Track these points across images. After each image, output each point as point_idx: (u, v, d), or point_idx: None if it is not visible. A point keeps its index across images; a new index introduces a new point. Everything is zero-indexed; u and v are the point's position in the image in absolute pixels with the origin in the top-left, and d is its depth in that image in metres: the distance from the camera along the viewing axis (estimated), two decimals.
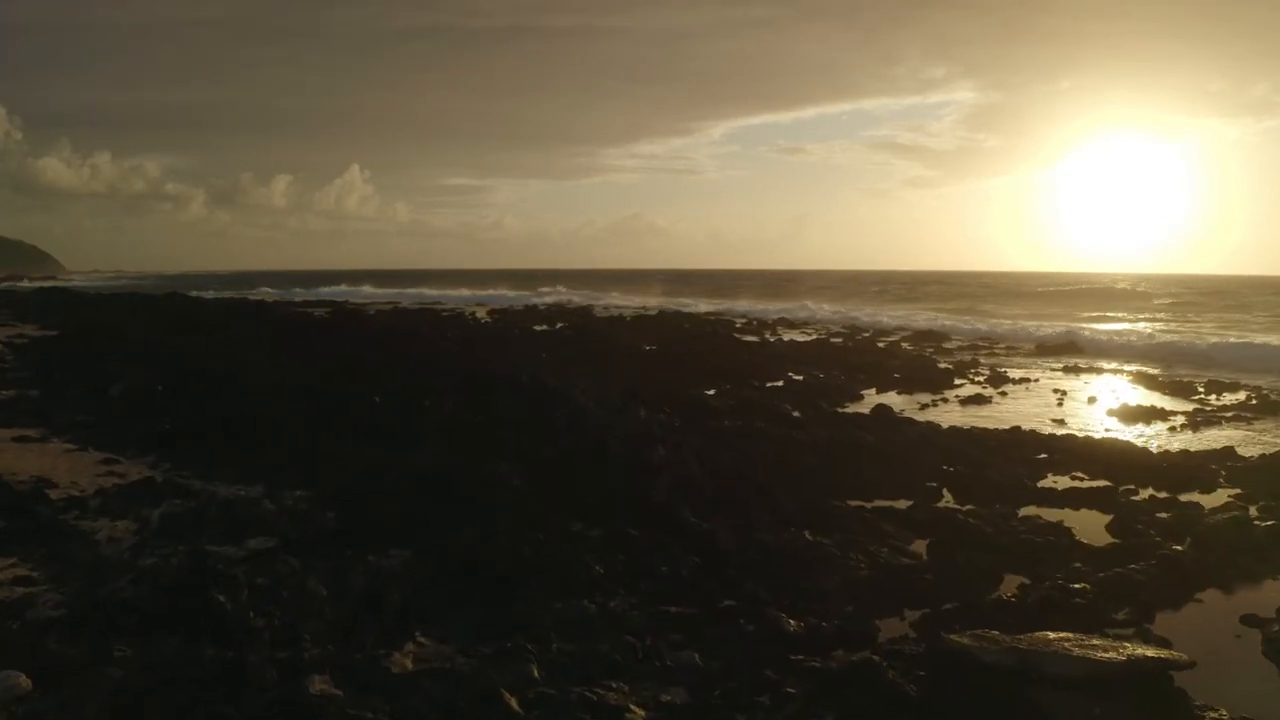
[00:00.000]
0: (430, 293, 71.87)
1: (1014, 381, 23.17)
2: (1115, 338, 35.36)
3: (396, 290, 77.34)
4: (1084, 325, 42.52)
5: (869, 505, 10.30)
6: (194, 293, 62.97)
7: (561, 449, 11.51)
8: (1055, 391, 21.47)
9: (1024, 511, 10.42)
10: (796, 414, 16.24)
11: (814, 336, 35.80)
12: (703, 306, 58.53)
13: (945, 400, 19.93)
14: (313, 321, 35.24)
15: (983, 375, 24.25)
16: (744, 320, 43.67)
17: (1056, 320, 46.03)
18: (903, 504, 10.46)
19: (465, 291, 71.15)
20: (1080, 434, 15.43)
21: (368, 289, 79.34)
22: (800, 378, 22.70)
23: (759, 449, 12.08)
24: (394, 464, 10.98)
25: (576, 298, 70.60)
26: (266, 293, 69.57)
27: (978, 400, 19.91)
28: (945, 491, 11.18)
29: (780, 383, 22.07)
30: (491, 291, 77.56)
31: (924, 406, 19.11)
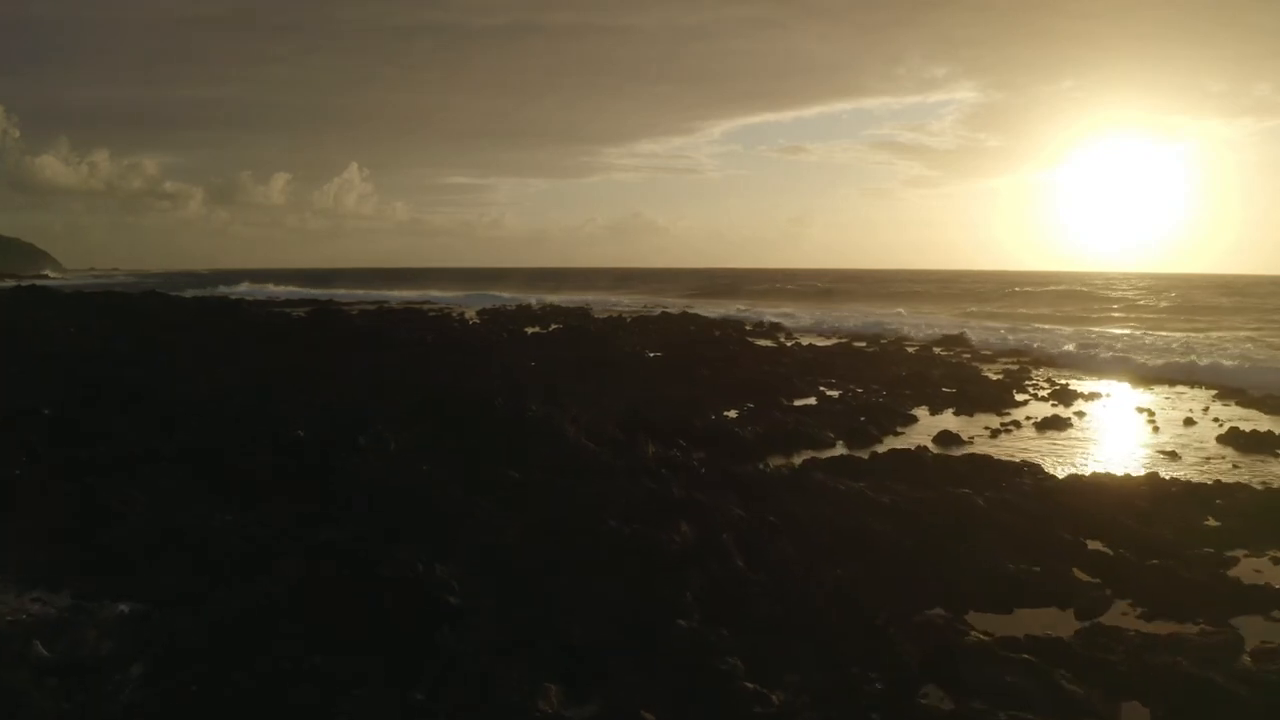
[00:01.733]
0: (435, 294, 67.82)
1: (1084, 397, 19.36)
2: (1168, 344, 31.57)
3: (389, 290, 73.42)
4: (1120, 330, 38.82)
5: (1018, 635, 6.45)
6: (184, 292, 59.37)
7: (535, 524, 7.69)
8: (1140, 411, 17.68)
9: (1246, 628, 6.64)
10: (857, 455, 12.40)
11: (833, 341, 31.94)
12: (708, 307, 54.65)
13: (1016, 424, 16.11)
14: (277, 324, 31.44)
15: (1043, 389, 20.47)
16: (754, 322, 39.76)
17: (1083, 324, 42.26)
18: (1058, 620, 6.67)
19: (460, 293, 67.09)
20: (1232, 476, 11.61)
21: (358, 290, 75.35)
22: (835, 394, 18.87)
23: (823, 518, 8.26)
24: (287, 546, 7.19)
25: (574, 298, 66.75)
26: (247, 291, 65.57)
27: (1056, 424, 16.09)
28: (1109, 592, 7.36)
29: (812, 400, 18.24)
30: (485, 291, 73.70)
31: (994, 433, 15.31)
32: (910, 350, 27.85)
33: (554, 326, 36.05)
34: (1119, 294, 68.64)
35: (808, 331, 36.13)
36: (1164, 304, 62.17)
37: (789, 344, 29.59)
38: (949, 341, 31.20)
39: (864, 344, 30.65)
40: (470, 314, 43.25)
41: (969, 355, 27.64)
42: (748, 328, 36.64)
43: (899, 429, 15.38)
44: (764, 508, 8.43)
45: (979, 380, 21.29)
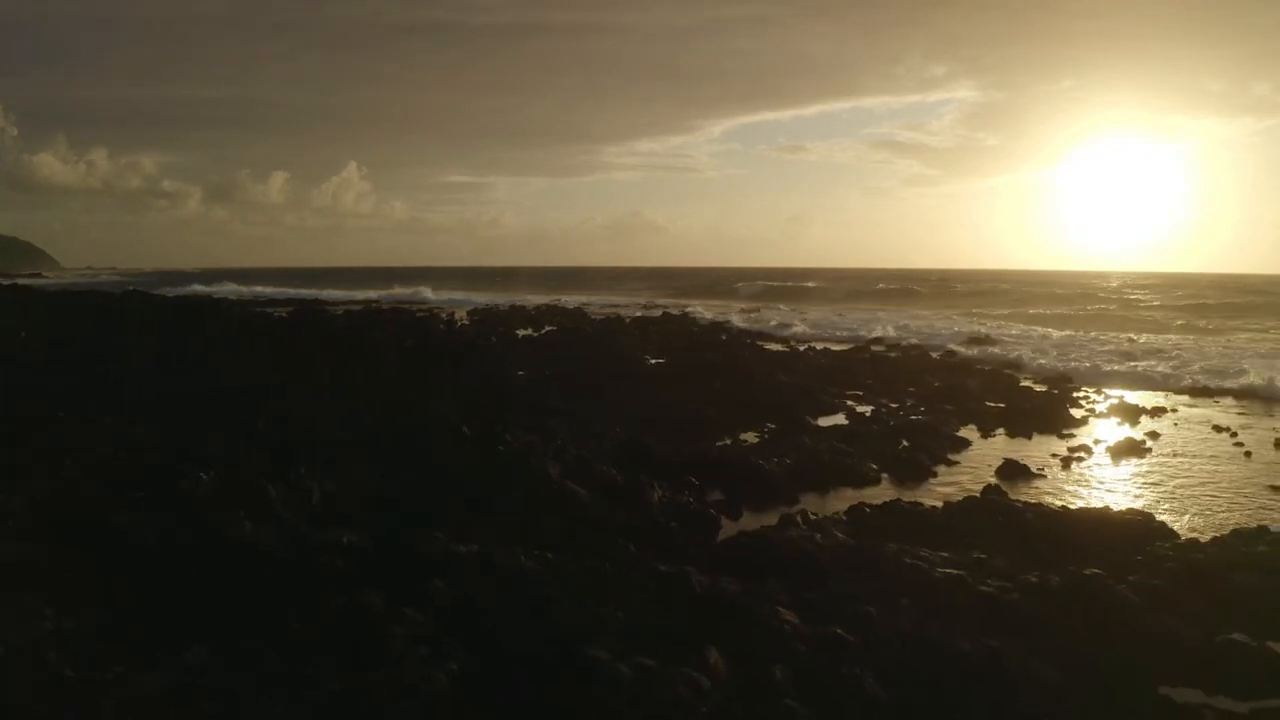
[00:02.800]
0: (428, 294, 65.00)
1: (1148, 413, 16.75)
2: (1203, 350, 28.96)
3: (382, 290, 70.60)
4: (1151, 336, 36.24)
5: None
6: (168, 291, 56.62)
7: (487, 657, 5.04)
8: (1218, 430, 15.09)
9: None
10: (917, 499, 9.70)
11: (848, 345, 29.25)
12: (710, 307, 51.92)
13: (1086, 450, 13.46)
14: (251, 325, 28.80)
15: (1095, 402, 17.88)
16: (761, 323, 37.06)
17: (1103, 327, 39.64)
18: None
19: (455, 293, 64.28)
20: None
21: (351, 289, 72.59)
22: (866, 410, 16.24)
23: (915, 626, 5.60)
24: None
25: (572, 297, 64.05)
26: (232, 291, 62.64)
27: (1133, 450, 13.45)
28: None
29: (841, 417, 15.62)
30: (481, 291, 71.05)
31: (1065, 462, 12.69)
32: (934, 355, 25.18)
33: (548, 329, 33.39)
34: (1133, 296, 65.82)
35: (819, 334, 33.27)
36: (1180, 304, 59.31)
37: (801, 348, 26.94)
38: (974, 345, 28.56)
39: (882, 348, 28.06)
40: (461, 315, 40.55)
41: (1000, 361, 24.99)
42: (755, 329, 33.99)
43: (951, 456, 12.76)
44: (823, 605, 5.79)
45: (1023, 392, 18.67)
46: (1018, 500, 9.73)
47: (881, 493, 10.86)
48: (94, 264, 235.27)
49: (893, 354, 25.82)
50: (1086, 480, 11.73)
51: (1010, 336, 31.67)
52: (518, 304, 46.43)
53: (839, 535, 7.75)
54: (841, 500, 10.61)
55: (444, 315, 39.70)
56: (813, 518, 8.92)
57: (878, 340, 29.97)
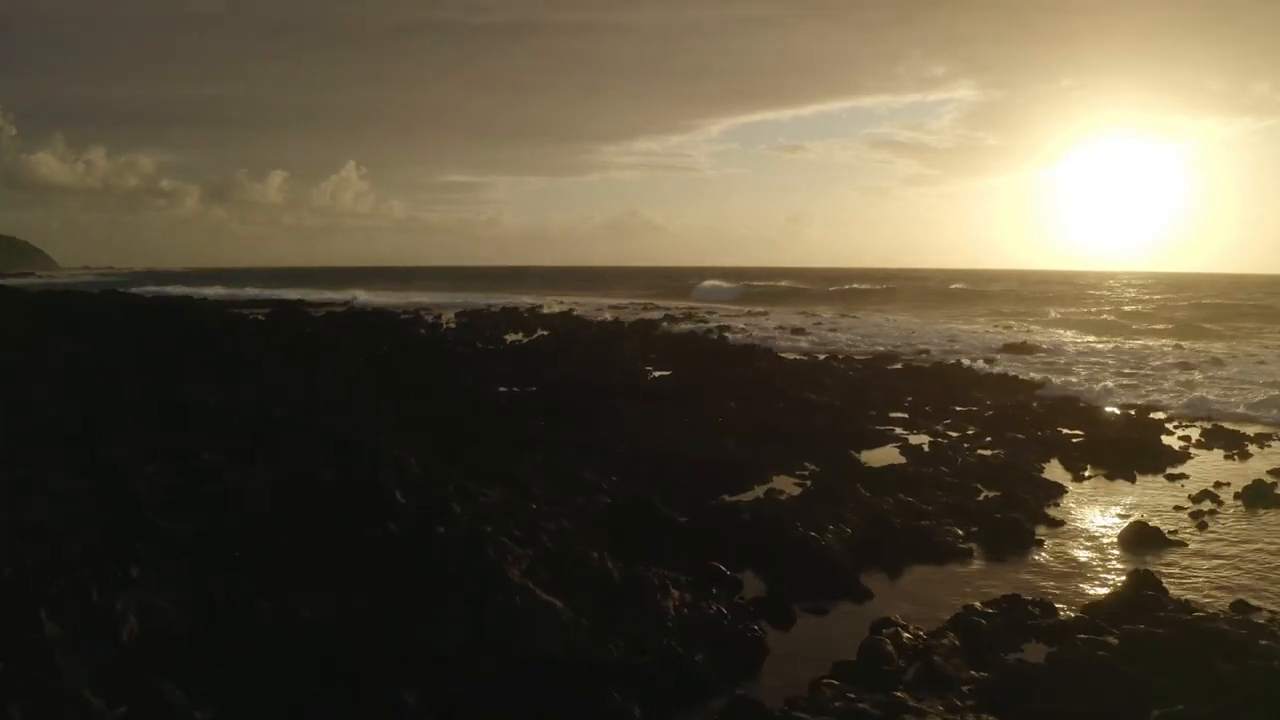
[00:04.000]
0: (418, 295, 61.64)
1: (1252, 441, 13.73)
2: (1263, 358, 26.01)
3: (372, 290, 67.45)
4: (1197, 344, 33.25)
5: None
6: (147, 290, 53.70)
7: None
8: None
9: None
10: (1054, 592, 6.60)
11: (871, 353, 26.14)
12: (714, 306, 48.78)
13: (1211, 497, 10.40)
14: (210, 329, 25.66)
15: (1187, 428, 14.84)
16: (772, 328, 33.85)
17: (1130, 333, 36.64)
18: None
19: (446, 295, 60.94)
20: None
21: (342, 290, 69.46)
22: (922, 441, 13.16)
23: None
24: None
25: (569, 298, 61.05)
26: (216, 291, 59.36)
27: (1268, 498, 10.41)
28: None
29: (894, 451, 12.54)
30: (474, 292, 68.02)
31: (1197, 519, 9.63)
32: (977, 368, 22.00)
33: (541, 333, 30.35)
34: (1157, 297, 62.61)
35: (838, 340, 29.91)
36: (1205, 305, 56.12)
37: (821, 356, 23.80)
38: (1014, 353, 25.50)
39: (909, 354, 25.00)
40: (448, 318, 37.46)
41: (1050, 372, 21.86)
42: (771, 330, 30.74)
43: (1050, 512, 9.68)
44: None
45: (1099, 417, 15.63)
46: (1191, 601, 6.69)
47: (976, 575, 7.83)
48: (90, 263, 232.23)
49: (926, 365, 22.72)
50: (1237, 545, 8.68)
51: (1047, 343, 28.61)
52: (510, 305, 43.28)
53: (961, 671, 4.71)
54: (923, 585, 7.60)
55: (431, 318, 36.66)
56: (908, 638, 5.88)
57: (904, 348, 26.87)
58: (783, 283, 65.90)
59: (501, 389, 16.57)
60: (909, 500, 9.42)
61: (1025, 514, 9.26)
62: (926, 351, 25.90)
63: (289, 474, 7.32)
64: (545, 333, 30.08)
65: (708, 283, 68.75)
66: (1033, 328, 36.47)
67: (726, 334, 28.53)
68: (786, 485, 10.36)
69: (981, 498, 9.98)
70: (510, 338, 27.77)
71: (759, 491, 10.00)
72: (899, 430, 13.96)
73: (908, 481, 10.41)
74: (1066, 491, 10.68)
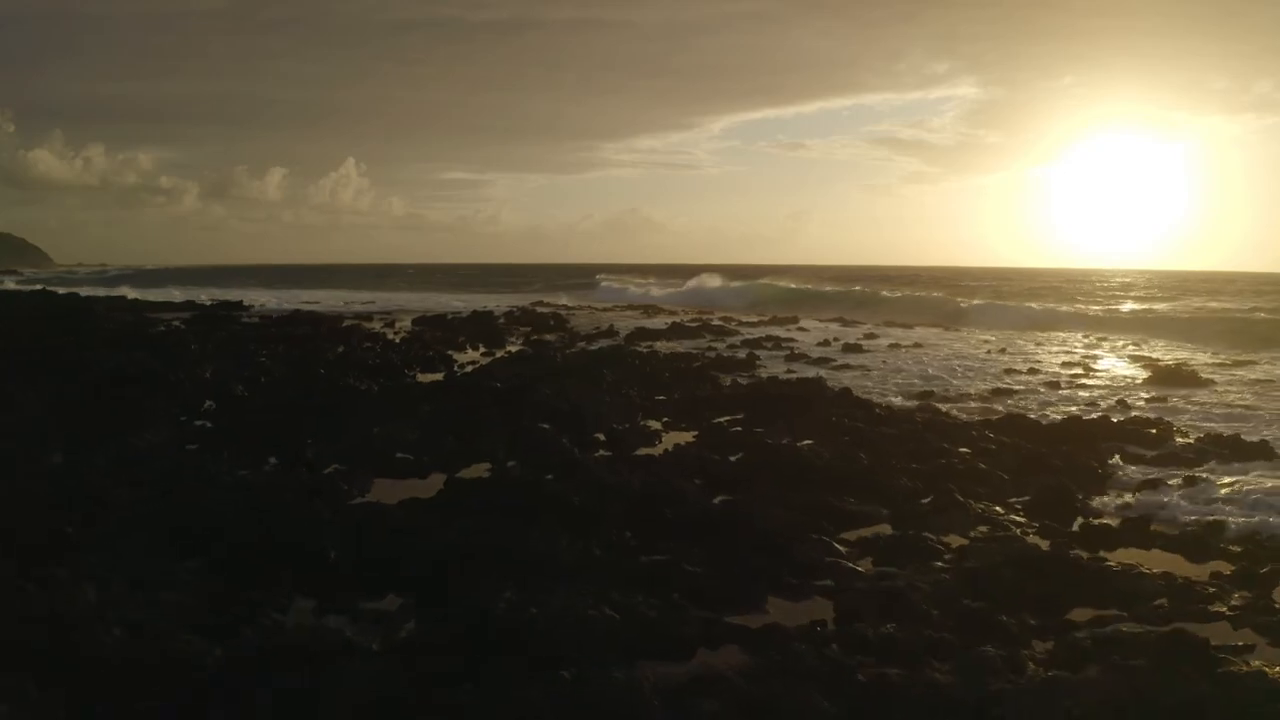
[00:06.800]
0: (386, 295, 54.93)
1: None
2: None
3: (339, 290, 60.92)
4: None
5: None
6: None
7: None
8: None
9: None
10: None
11: (916, 398, 19.48)
12: (718, 310, 41.90)
13: None
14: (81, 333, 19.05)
15: None
16: (799, 340, 26.78)
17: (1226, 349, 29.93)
18: None
19: (420, 293, 54.30)
20: None
21: (314, 290, 62.83)
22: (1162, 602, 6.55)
23: None
24: None
25: (563, 299, 54.48)
26: (126, 292, 52.16)
27: None
28: None
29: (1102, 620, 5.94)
30: (462, 292, 61.49)
31: None
32: (1100, 416, 15.02)
33: (511, 346, 23.76)
34: (1195, 301, 55.88)
35: (909, 369, 20.57)
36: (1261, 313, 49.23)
37: (946, 408, 14.95)
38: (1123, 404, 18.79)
39: (986, 388, 18.26)
40: (402, 325, 30.77)
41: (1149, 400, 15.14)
42: (818, 356, 22.96)
43: None
44: None
45: None
46: None
47: None
48: (85, 261, 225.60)
49: (1018, 407, 15.90)
50: None
51: (1105, 356, 21.94)
52: (483, 309, 36.47)
53: None
54: None
55: (380, 326, 30.04)
56: None
57: (964, 375, 20.14)
58: (789, 284, 58.76)
59: (402, 456, 10.01)
60: None
61: None
62: (1007, 389, 18.98)
63: None
64: (516, 347, 23.48)
65: (708, 284, 60.85)
66: (1093, 334, 29.78)
67: (757, 357, 21.38)
68: None
69: None
70: (463, 357, 21.12)
71: None
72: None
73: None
74: None
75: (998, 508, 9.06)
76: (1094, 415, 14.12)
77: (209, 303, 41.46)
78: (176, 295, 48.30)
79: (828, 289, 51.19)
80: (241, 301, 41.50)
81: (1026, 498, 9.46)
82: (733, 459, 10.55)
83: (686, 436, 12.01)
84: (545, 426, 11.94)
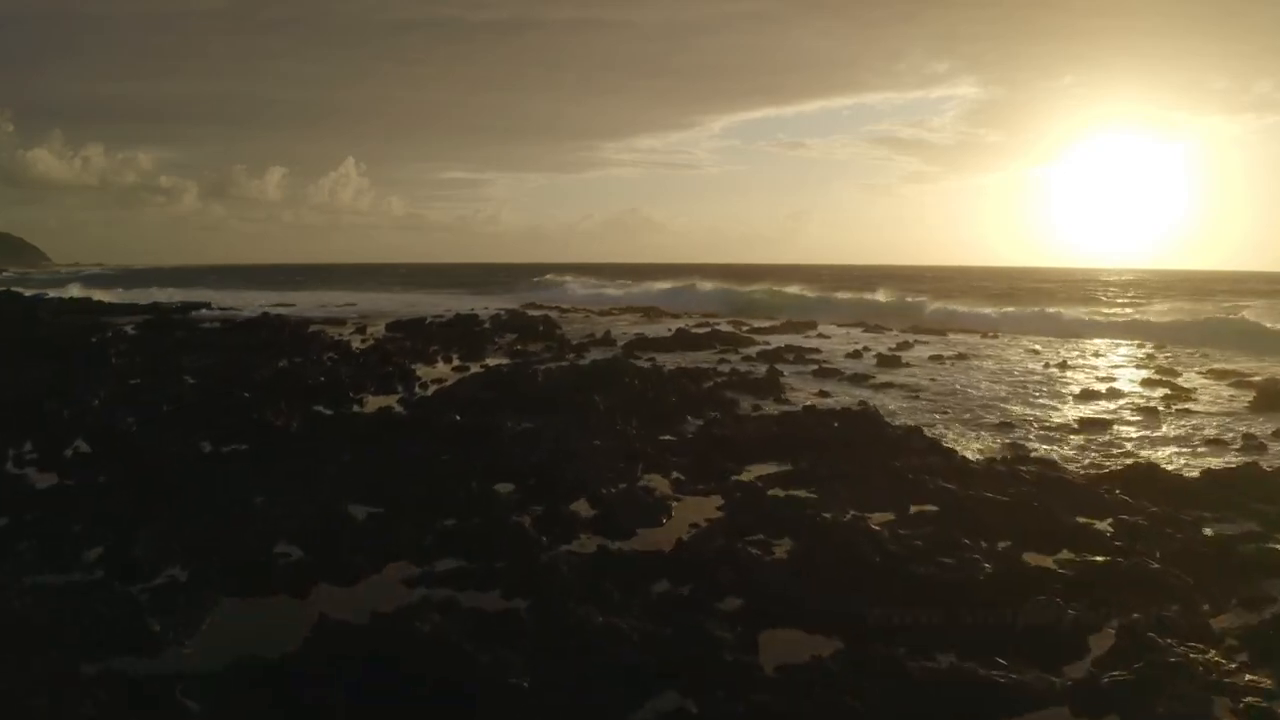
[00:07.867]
0: (365, 296, 51.43)
1: None
2: None
3: (323, 291, 57.39)
4: None
5: None
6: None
7: None
8: None
9: None
10: None
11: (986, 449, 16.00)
12: (721, 310, 38.34)
13: None
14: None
15: None
16: (825, 349, 23.09)
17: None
18: None
19: (401, 293, 50.68)
20: None
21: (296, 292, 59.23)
22: None
23: None
24: None
25: (559, 300, 51.06)
26: (76, 290, 48.79)
27: None
28: None
29: None
30: (449, 290, 57.90)
31: None
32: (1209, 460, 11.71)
33: (489, 359, 20.22)
34: (1224, 302, 52.36)
35: (969, 393, 16.48)
36: None
37: (963, 443, 12.64)
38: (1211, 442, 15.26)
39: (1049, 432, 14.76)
40: (375, 330, 27.23)
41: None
42: (821, 367, 19.94)
43: None
44: None
45: None
46: None
47: None
48: (84, 260, 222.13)
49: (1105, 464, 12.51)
50: None
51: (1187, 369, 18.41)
52: (468, 313, 32.84)
53: None
54: None
55: (350, 332, 26.50)
56: None
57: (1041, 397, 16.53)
58: (794, 288, 54.41)
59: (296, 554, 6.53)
60: None
61: None
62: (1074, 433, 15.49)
63: None
64: (494, 361, 19.95)
65: (701, 286, 56.11)
66: (1132, 347, 26.29)
67: (780, 373, 17.64)
68: None
69: None
70: (430, 373, 17.58)
71: None
72: None
73: None
74: None
75: (1214, 654, 5.57)
76: (1233, 461, 10.64)
77: (174, 305, 37.91)
78: (156, 295, 45.25)
79: (839, 295, 47.06)
80: (210, 304, 37.92)
81: (1239, 623, 6.00)
82: (776, 548, 7.07)
83: (705, 506, 8.46)
84: (505, 489, 8.47)
